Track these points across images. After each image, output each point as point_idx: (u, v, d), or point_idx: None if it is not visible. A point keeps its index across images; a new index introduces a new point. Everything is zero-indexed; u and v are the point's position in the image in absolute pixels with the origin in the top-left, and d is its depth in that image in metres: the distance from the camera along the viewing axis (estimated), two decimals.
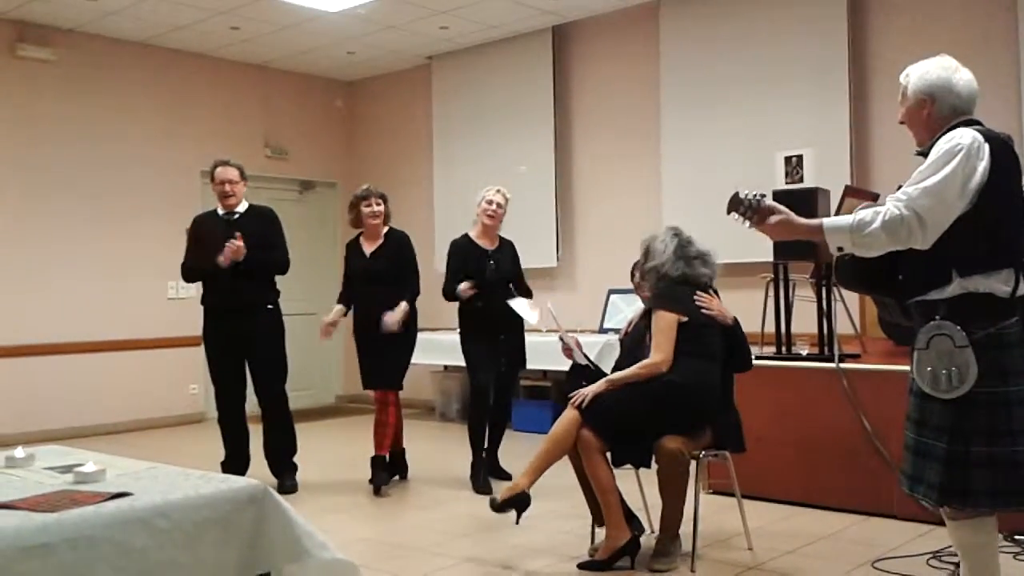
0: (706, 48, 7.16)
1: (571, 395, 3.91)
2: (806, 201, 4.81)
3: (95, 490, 2.44)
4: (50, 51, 7.71)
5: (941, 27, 6.14)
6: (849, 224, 2.58)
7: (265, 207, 5.67)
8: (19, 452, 2.89)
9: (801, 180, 6.49)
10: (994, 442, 2.52)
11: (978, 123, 2.65)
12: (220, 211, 5.53)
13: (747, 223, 2.76)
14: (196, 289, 8.48)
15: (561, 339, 4.30)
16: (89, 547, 2.19)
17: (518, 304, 5.39)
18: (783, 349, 5.03)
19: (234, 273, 5.28)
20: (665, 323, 3.91)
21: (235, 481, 2.57)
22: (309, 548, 2.54)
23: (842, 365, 4.67)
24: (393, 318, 5.31)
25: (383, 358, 5.42)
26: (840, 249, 2.64)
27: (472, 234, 5.57)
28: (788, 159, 6.64)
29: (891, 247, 2.58)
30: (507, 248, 5.67)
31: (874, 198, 5.49)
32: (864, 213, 2.57)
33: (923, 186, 2.52)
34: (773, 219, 2.71)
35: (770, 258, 4.98)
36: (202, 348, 8.42)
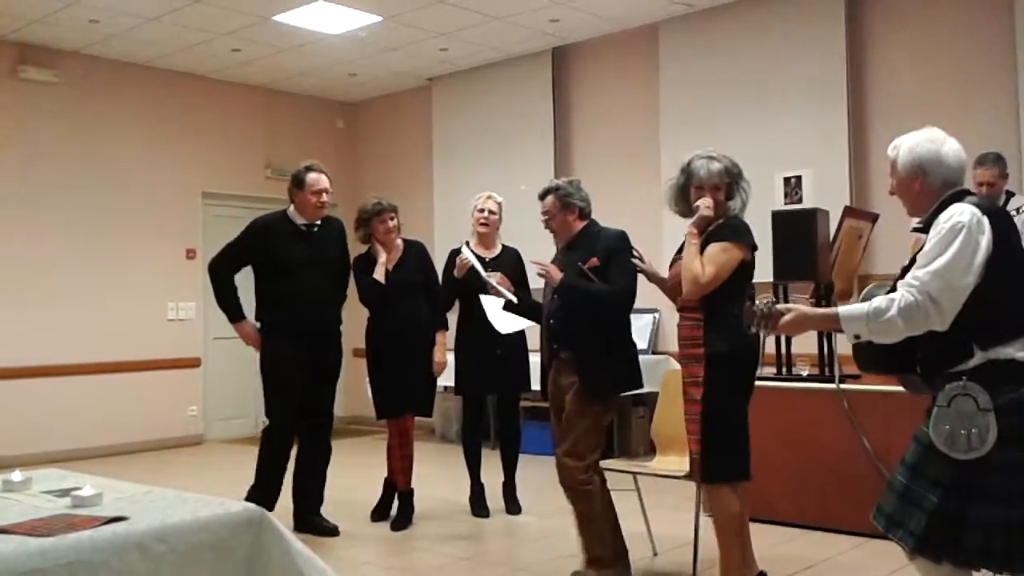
0: (705, 69, 7.18)
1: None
2: (805, 221, 4.83)
3: (92, 514, 2.43)
4: (52, 73, 7.75)
5: (939, 48, 6.16)
6: (865, 312, 2.59)
7: (337, 219, 5.21)
8: (16, 475, 2.87)
9: (800, 200, 6.51)
10: (1001, 506, 2.48)
11: (970, 193, 2.68)
12: (297, 220, 4.98)
13: (764, 332, 2.80)
14: (196, 310, 8.64)
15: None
16: (86, 572, 2.17)
17: (489, 303, 5.08)
18: (783, 370, 5.02)
19: (319, 293, 4.87)
20: (734, 259, 3.52)
21: (232, 505, 2.55)
22: (307, 573, 2.52)
23: (843, 386, 4.67)
24: (441, 358, 5.18)
25: (415, 381, 5.12)
26: (857, 336, 2.65)
27: (472, 243, 5.47)
28: (787, 180, 6.66)
29: (909, 332, 2.58)
30: (508, 257, 5.46)
31: (873, 219, 5.52)
32: (879, 301, 2.59)
33: (932, 269, 2.53)
34: (787, 318, 2.73)
35: (770, 279, 4.98)
36: (201, 370, 8.58)
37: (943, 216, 2.59)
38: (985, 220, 2.55)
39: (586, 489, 3.83)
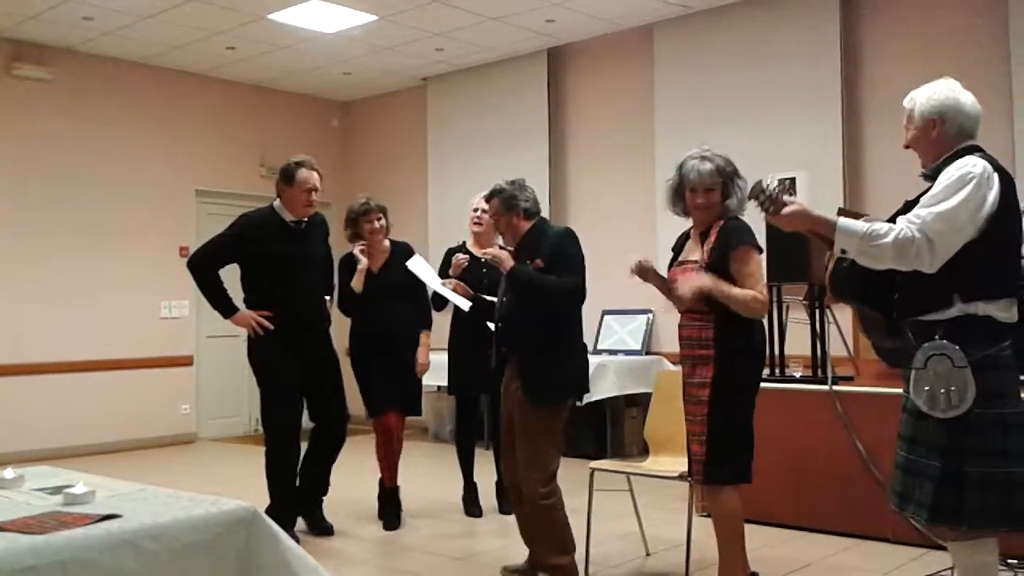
0: (700, 71, 7.20)
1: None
2: None
3: (84, 512, 2.42)
4: (46, 70, 7.73)
5: (933, 51, 6.18)
6: (862, 231, 2.60)
7: (319, 213, 5.02)
8: (8, 472, 2.86)
9: None
10: (989, 463, 2.53)
11: (981, 150, 2.69)
12: (285, 216, 4.80)
13: (764, 212, 2.80)
14: (189, 307, 8.62)
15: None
16: (78, 569, 2.16)
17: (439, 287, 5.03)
18: (776, 371, 5.03)
19: (309, 289, 4.82)
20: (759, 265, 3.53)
21: (225, 503, 2.55)
22: (299, 572, 2.52)
23: (835, 387, 4.67)
24: (424, 359, 5.19)
25: (400, 380, 5.14)
26: (844, 253, 2.65)
27: (468, 243, 5.46)
28: (781, 181, 6.65)
29: (895, 265, 2.60)
30: None
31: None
32: (879, 225, 2.60)
33: (936, 211, 2.55)
34: (788, 209, 2.74)
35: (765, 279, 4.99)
36: (193, 368, 8.58)
37: (955, 164, 2.62)
38: (995, 176, 2.58)
39: (546, 504, 3.75)
